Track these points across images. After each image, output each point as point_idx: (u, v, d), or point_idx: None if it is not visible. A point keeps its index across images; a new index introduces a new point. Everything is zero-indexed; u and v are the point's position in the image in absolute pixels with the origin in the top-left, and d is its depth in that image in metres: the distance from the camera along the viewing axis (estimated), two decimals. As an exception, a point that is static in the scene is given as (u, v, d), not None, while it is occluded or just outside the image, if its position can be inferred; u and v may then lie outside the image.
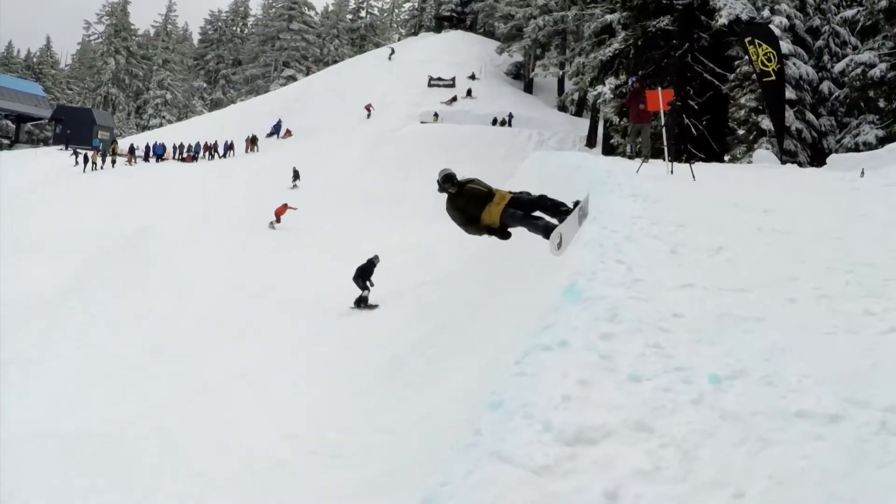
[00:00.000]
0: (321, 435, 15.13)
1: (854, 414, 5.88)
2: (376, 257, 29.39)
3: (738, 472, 5.26)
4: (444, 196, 12.01)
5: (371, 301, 28.26)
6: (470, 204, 11.85)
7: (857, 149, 34.30)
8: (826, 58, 40.23)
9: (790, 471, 5.23)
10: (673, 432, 5.74)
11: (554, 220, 11.26)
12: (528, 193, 11.97)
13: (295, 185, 53.40)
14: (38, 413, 19.72)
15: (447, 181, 12.01)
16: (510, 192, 11.96)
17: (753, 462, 5.38)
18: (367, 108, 64.32)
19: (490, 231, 11.84)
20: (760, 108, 35.00)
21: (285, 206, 44.12)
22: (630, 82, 24.67)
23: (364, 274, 28.42)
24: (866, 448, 5.45)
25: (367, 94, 76.36)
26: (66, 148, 76.33)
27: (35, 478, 16.09)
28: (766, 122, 34.56)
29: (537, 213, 11.61)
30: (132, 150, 69.82)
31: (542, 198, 11.75)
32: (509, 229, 11.75)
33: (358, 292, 28.32)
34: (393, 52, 74.56)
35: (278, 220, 43.44)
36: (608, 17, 49.77)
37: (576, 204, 11.15)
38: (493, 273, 21.56)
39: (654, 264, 9.63)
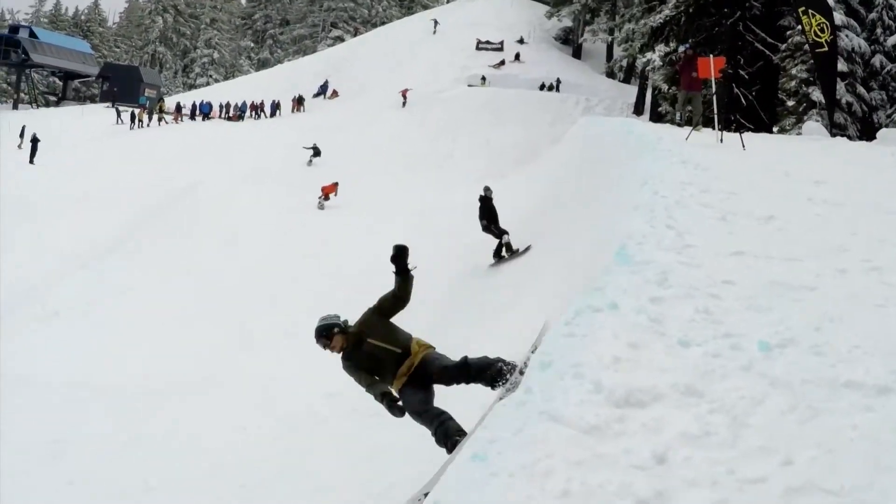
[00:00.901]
0: (362, 392, 15.19)
1: (904, 386, 5.86)
2: (488, 189, 25.84)
3: (787, 439, 5.24)
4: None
5: (514, 244, 24.45)
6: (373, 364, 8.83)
7: (907, 123, 33.97)
8: (879, 31, 39.69)
9: (839, 440, 5.21)
10: (722, 398, 5.73)
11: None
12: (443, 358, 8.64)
13: (311, 162, 49.08)
14: (76, 365, 19.99)
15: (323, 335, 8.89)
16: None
17: (802, 430, 5.36)
18: (403, 94, 61.34)
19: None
20: (811, 79, 34.63)
21: (335, 185, 40.79)
22: (683, 49, 24.50)
23: (489, 215, 24.76)
24: (916, 420, 5.43)
25: (415, 57, 76.18)
26: (113, 105, 76.74)
27: (75, 427, 16.33)
28: (816, 94, 34.19)
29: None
30: (179, 108, 70.12)
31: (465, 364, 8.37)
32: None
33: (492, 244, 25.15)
34: (437, 24, 72.87)
35: (326, 198, 40.15)
36: (659, -17, 49.44)
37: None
38: (544, 232, 21.59)
39: (705, 231, 9.60)
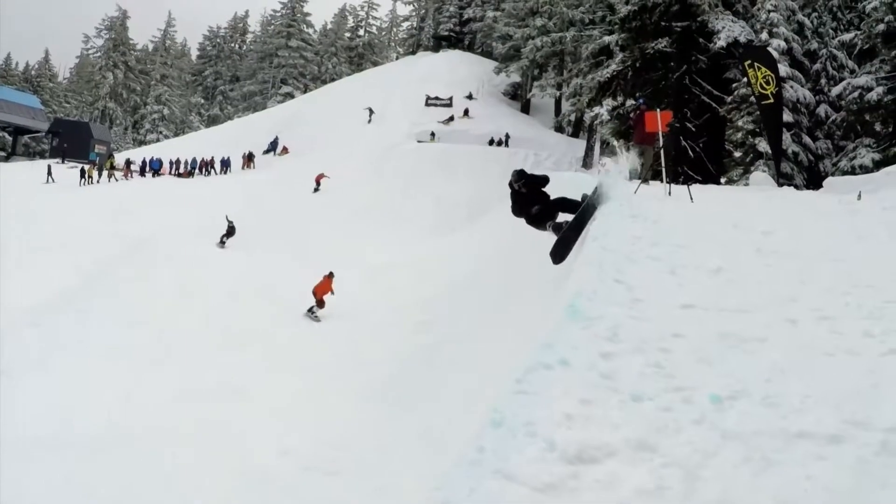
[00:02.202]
0: (316, 450, 15.09)
1: (855, 434, 5.90)
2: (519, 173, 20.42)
3: (742, 492, 5.26)
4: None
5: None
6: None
7: (853, 172, 34.36)
8: (823, 81, 40.35)
9: (794, 491, 5.24)
10: (675, 452, 5.74)
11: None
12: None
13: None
14: (37, 418, 19.74)
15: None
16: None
17: (757, 482, 5.38)
18: (317, 180, 55.77)
19: None
20: (758, 130, 35.06)
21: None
22: (638, 104, 24.77)
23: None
24: (868, 468, 5.47)
25: (365, 112, 76.49)
26: (63, 161, 76.24)
27: (35, 482, 16.10)
28: (763, 145, 34.61)
29: None
30: (128, 164, 69.80)
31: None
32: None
33: None
34: (372, 112, 71.08)
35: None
36: (606, 38, 49.99)
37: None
38: (493, 289, 21.61)
39: (654, 284, 9.63)
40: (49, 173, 62.92)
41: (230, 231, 41.62)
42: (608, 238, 12.23)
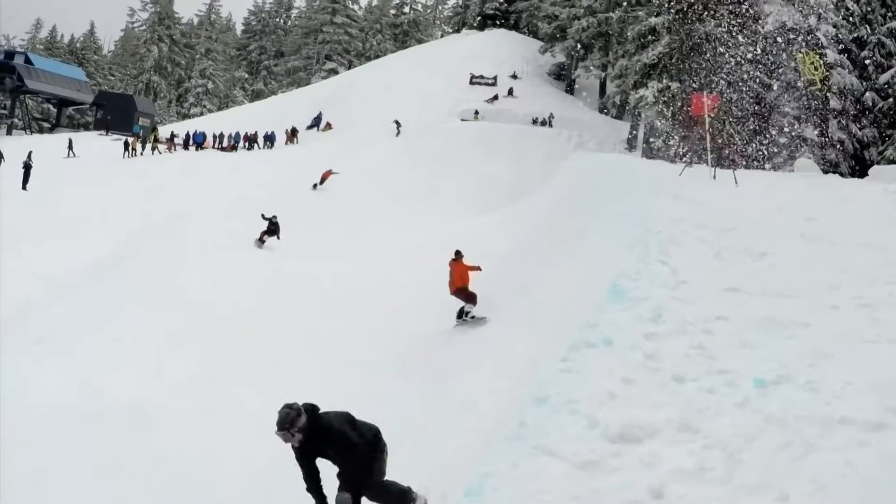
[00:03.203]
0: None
1: (896, 422, 5.87)
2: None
3: (782, 476, 5.25)
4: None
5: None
6: None
7: (899, 161, 34.07)
8: (871, 68, 39.86)
9: (833, 476, 5.22)
10: (717, 434, 5.74)
11: None
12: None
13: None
14: (64, 389, 19.90)
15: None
16: None
17: (797, 467, 5.37)
18: (324, 177, 48.43)
19: None
20: (804, 116, 34.80)
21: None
22: (683, 86, 24.71)
23: None
24: (908, 456, 5.44)
25: (409, 89, 76.33)
26: (107, 133, 76.63)
27: (58, 455, 16.25)
28: (809, 131, 34.34)
29: None
30: (172, 137, 69.97)
31: None
32: None
33: None
34: (399, 126, 66.13)
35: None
36: (653, 20, 49.56)
37: None
38: (535, 268, 21.52)
39: (699, 267, 9.62)
40: (70, 147, 61.65)
41: (272, 229, 34.82)
42: (653, 219, 12.21)
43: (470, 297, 20.99)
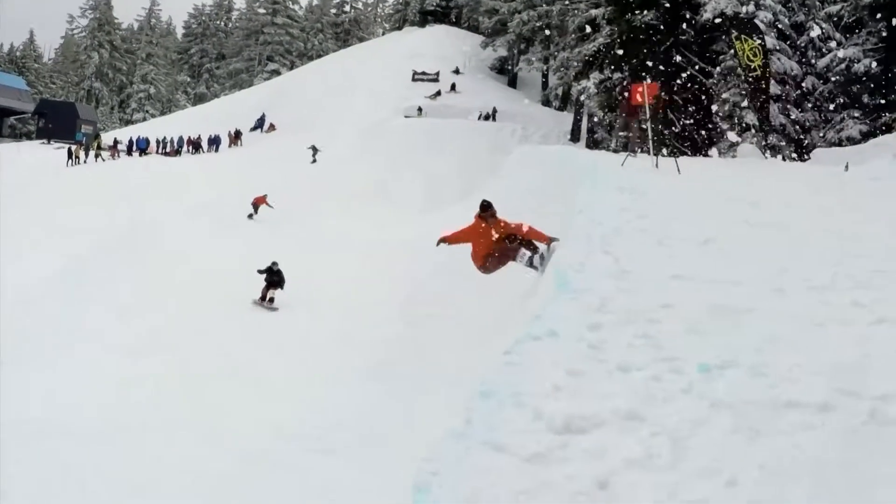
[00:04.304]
0: (312, 430, 15.07)
1: (844, 404, 5.89)
2: None
3: (731, 460, 5.24)
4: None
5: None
6: None
7: (840, 143, 34.44)
8: (810, 53, 40.25)
9: (782, 460, 5.22)
10: (664, 421, 5.73)
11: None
12: None
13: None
14: (33, 404, 19.65)
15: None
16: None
17: (745, 451, 5.37)
18: (256, 203, 43.74)
19: None
20: (745, 102, 35.05)
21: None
22: (623, 76, 24.83)
23: None
24: (857, 438, 5.46)
25: (352, 87, 76.28)
26: (49, 142, 76.16)
27: (29, 472, 16.04)
28: (750, 117, 34.60)
29: None
30: (115, 143, 69.64)
31: None
32: None
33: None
34: (317, 151, 59.97)
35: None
36: (593, 11, 49.79)
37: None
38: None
39: (643, 256, 9.63)
40: None
41: (275, 280, 28.32)
42: (595, 210, 12.23)
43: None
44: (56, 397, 19.89)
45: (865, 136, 34.05)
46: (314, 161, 52.24)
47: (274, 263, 28.07)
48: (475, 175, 45.46)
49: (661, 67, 37.72)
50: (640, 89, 19.57)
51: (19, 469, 15.65)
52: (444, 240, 14.87)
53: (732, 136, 33.71)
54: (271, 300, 27.63)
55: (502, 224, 13.80)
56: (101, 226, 38.26)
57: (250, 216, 41.89)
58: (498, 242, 13.70)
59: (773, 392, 6.12)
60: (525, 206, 20.39)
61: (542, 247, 12.90)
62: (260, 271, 27.64)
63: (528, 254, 13.13)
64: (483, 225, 14.04)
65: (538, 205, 18.24)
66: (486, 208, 13.99)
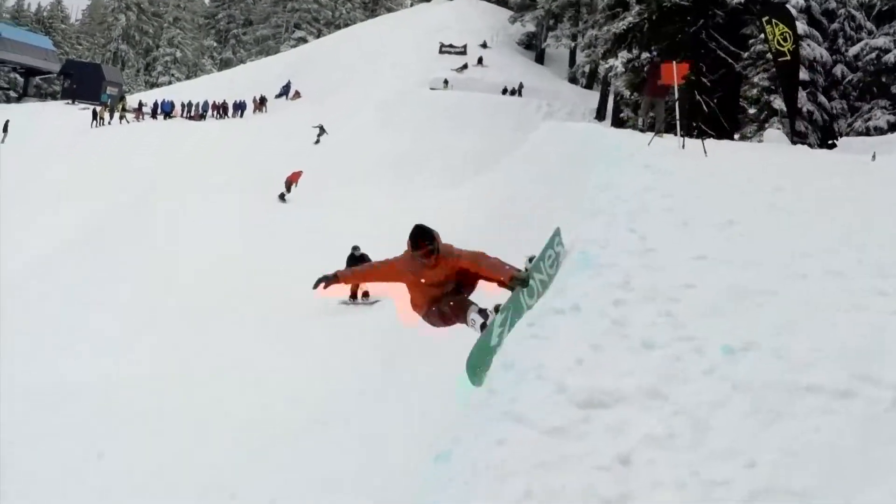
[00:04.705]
0: (322, 400, 15.10)
1: (864, 390, 5.86)
2: None
3: (750, 442, 5.25)
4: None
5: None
6: None
7: (867, 133, 34.27)
8: (840, 41, 40.01)
9: (801, 443, 5.23)
10: (685, 400, 5.74)
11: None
12: None
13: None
14: (41, 369, 19.75)
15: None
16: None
17: (765, 433, 5.37)
18: (291, 181, 41.80)
19: None
20: (773, 87, 34.89)
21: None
22: (651, 56, 24.70)
23: None
24: (876, 424, 5.44)
25: (378, 58, 76.11)
26: (74, 102, 76.36)
27: (37, 434, 16.13)
28: (778, 102, 34.42)
29: None
30: (140, 106, 69.74)
31: None
32: None
33: None
34: (322, 132, 56.34)
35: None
36: (623, -11, 49.56)
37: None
38: (507, 239, 21.49)
39: (667, 235, 9.61)
40: (5, 129, 57.08)
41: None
42: (620, 188, 12.21)
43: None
44: (64, 362, 20.01)
45: (893, 127, 33.91)
46: (317, 142, 51.15)
47: (356, 248, 24.35)
48: (498, 150, 45.35)
49: (690, 49, 37.53)
50: (670, 69, 19.44)
51: (27, 433, 15.75)
52: (334, 279, 9.49)
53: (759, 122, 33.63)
54: (366, 294, 23.73)
55: (448, 263, 9.29)
56: (120, 187, 38.34)
57: (282, 196, 38.79)
58: (435, 292, 9.37)
59: (793, 376, 6.11)
60: (549, 182, 20.40)
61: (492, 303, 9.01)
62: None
63: (480, 319, 8.82)
64: (415, 265, 9.32)
65: (562, 181, 18.22)
66: (421, 243, 9.13)
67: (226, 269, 27.69)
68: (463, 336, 8.81)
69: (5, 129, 53.66)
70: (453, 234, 21.71)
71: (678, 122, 20.18)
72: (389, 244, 27.36)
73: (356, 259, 22.57)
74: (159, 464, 14.84)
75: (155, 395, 18.32)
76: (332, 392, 15.93)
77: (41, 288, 26.39)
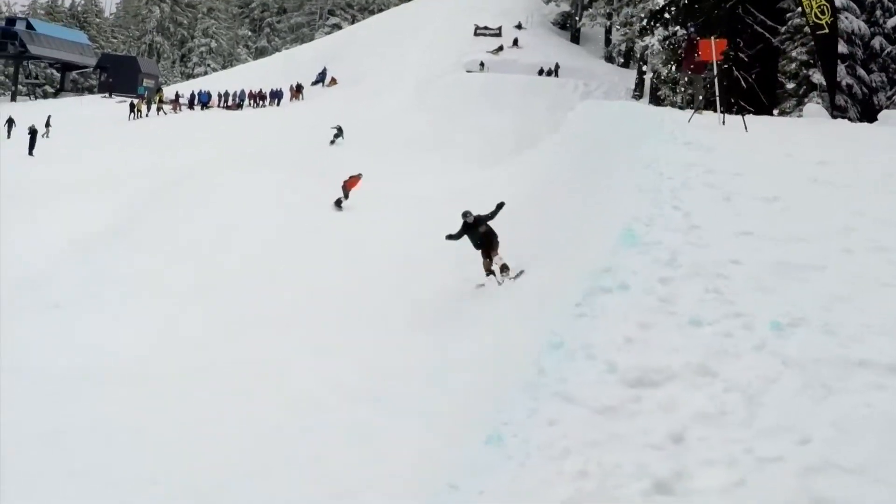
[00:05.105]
0: (364, 381, 15.11)
1: (916, 365, 5.83)
2: None
3: (803, 418, 5.22)
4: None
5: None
6: None
7: (907, 106, 33.92)
8: (878, 13, 39.53)
9: (853, 419, 5.19)
10: (736, 377, 5.71)
11: None
12: None
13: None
14: (83, 351, 19.87)
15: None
16: None
17: (817, 409, 5.34)
18: (348, 187, 37.20)
19: None
20: (812, 61, 34.57)
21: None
22: (688, 32, 24.52)
23: None
24: (928, 398, 5.41)
25: (413, 41, 76.08)
26: (111, 95, 76.85)
27: (76, 418, 16.24)
28: (817, 77, 34.09)
29: None
30: (177, 97, 70.03)
31: None
32: None
33: None
34: (339, 134, 53.79)
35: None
36: (658, -34, 49.24)
37: None
38: (549, 216, 21.44)
39: (711, 211, 9.56)
40: (47, 125, 55.22)
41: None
42: (663, 165, 12.15)
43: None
44: (106, 344, 20.10)
45: (933, 99, 33.59)
46: (333, 142, 49.63)
47: (467, 215, 19.36)
48: (536, 130, 45.29)
49: (727, 24, 37.27)
50: (708, 45, 19.33)
51: (65, 416, 15.85)
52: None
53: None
54: (504, 268, 18.44)
55: None
56: (159, 177, 38.52)
57: (338, 203, 33.41)
58: None
59: (842, 351, 6.08)
60: (587, 160, 20.34)
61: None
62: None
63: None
64: None
65: (601, 159, 18.15)
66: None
67: (269, 247, 27.78)
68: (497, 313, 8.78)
69: (48, 125, 54.02)
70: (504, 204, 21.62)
71: (717, 99, 20.06)
72: (429, 222, 27.51)
73: (469, 226, 18.84)
74: (166, 463, 15.01)
75: (177, 383, 18.45)
76: (374, 373, 15.99)
77: (82, 269, 26.60)
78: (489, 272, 18.44)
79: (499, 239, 18.38)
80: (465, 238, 19.01)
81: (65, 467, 14.24)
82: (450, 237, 19.11)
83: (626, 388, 5.54)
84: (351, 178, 34.24)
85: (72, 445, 14.80)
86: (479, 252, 18.73)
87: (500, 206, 18.18)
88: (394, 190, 33.74)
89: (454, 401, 8.42)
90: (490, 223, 18.63)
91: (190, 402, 16.43)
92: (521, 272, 16.49)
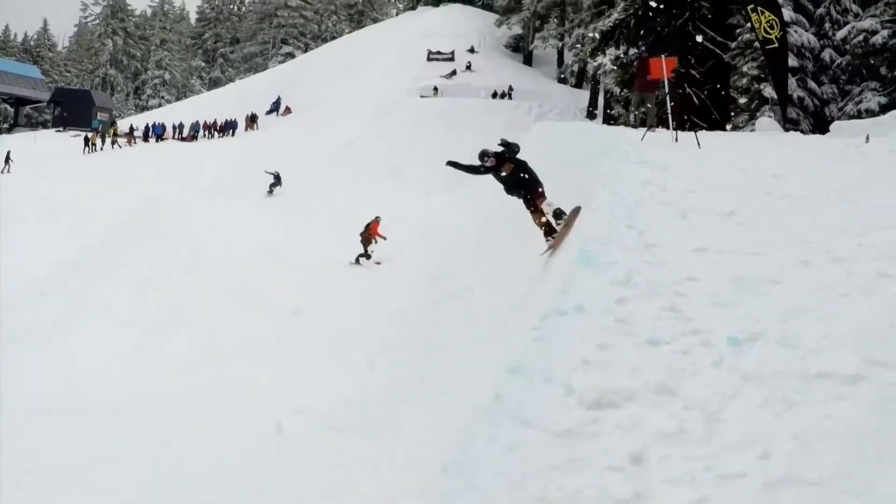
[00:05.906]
0: (330, 408, 15.03)
1: (875, 374, 5.83)
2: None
3: (764, 433, 5.22)
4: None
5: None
6: None
7: (859, 116, 34.17)
8: (827, 25, 39.96)
9: (815, 431, 5.19)
10: (695, 394, 5.70)
11: None
12: None
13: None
14: (49, 386, 19.71)
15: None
16: None
17: (778, 423, 5.34)
18: (370, 235, 36.92)
19: None
20: (763, 76, 34.87)
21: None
22: (639, 51, 24.70)
23: None
24: (890, 407, 5.40)
25: (366, 68, 76.17)
26: (65, 129, 76.43)
27: (43, 455, 16.07)
28: (768, 90, 34.39)
29: None
30: (131, 130, 69.72)
31: None
32: None
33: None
34: (275, 183, 51.24)
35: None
36: (608, -14, 49.55)
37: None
38: (499, 241, 21.48)
39: (666, 229, 9.59)
40: (7, 160, 55.64)
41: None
42: (617, 184, 12.18)
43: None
44: (73, 378, 19.97)
45: (884, 109, 33.80)
46: (270, 192, 45.72)
47: (484, 155, 15.95)
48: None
49: (678, 42, 37.54)
50: (658, 63, 19.45)
51: (32, 454, 15.68)
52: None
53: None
54: (559, 214, 12.85)
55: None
56: (119, 208, 38.40)
57: (360, 260, 29.83)
58: None
59: (802, 363, 6.09)
60: (543, 181, 20.38)
61: None
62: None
63: None
64: None
65: (557, 180, 18.17)
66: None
67: (232, 277, 27.72)
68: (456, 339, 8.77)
69: (7, 160, 53.79)
70: (455, 233, 21.65)
71: (669, 116, 20.16)
72: (390, 248, 27.44)
73: (490, 169, 15.54)
74: (173, 462, 14.88)
75: (174, 396, 18.39)
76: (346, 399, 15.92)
77: (53, 296, 26.48)
78: (546, 228, 14.00)
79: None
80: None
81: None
82: (456, 165, 16.08)
83: (585, 409, 5.52)
84: (367, 226, 30.69)
85: (42, 480, 14.67)
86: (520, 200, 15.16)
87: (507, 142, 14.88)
88: (354, 218, 33.66)
89: (414, 428, 8.35)
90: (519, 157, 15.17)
91: (158, 431, 16.34)
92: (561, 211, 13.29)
